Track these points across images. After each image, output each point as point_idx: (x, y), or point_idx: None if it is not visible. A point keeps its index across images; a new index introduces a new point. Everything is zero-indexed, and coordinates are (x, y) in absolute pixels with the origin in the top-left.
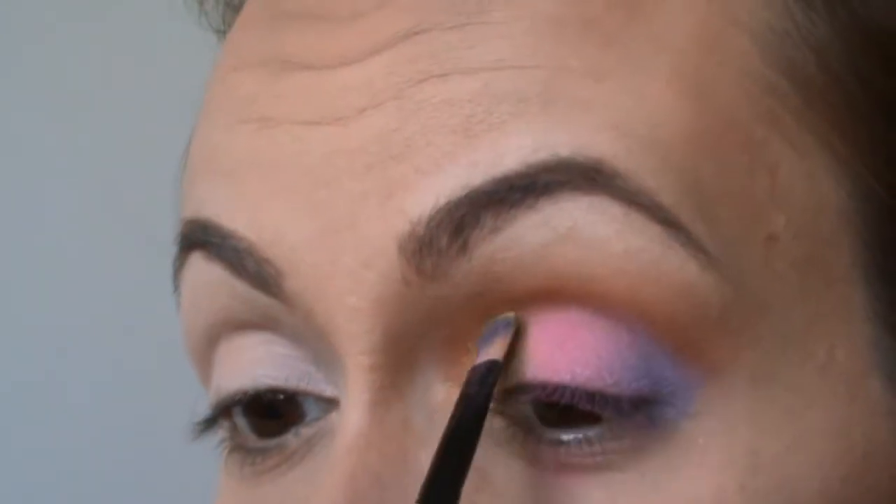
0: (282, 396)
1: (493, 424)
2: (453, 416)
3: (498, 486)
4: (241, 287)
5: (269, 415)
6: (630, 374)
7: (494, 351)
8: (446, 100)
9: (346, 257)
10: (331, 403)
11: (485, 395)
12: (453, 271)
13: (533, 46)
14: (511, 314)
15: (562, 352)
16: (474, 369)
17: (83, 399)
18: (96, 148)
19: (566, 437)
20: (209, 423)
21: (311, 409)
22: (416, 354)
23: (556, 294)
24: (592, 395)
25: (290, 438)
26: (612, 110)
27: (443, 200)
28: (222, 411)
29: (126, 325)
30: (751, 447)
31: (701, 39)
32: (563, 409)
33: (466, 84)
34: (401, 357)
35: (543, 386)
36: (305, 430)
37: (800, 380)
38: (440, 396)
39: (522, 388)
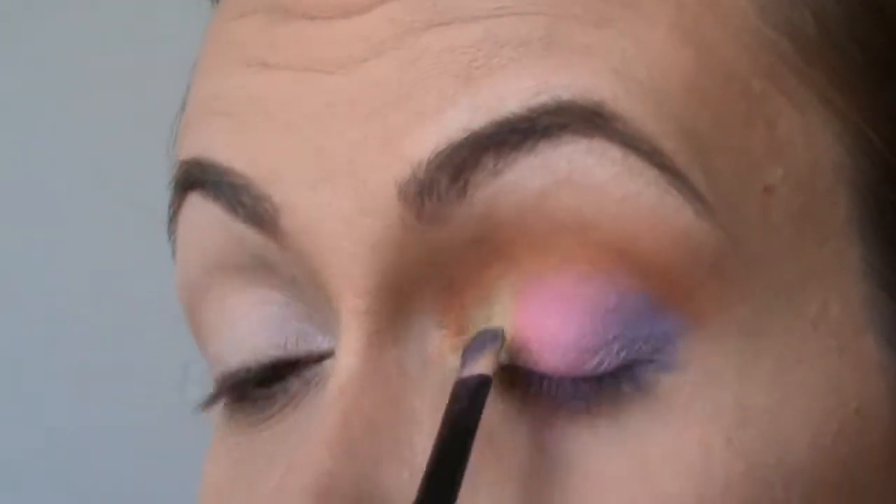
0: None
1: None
2: (441, 434)
3: (494, 428)
4: (236, 227)
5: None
6: (610, 347)
7: (483, 365)
8: (447, 47)
9: (344, 202)
10: (326, 357)
11: (475, 411)
12: (453, 214)
13: None
14: (499, 327)
15: (557, 306)
16: (462, 383)
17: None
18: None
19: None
20: (213, 399)
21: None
22: (412, 301)
23: (553, 249)
24: (576, 380)
25: (293, 380)
26: (612, 55)
27: (443, 143)
28: (227, 389)
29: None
30: (739, 400)
31: None
32: None
33: (468, 31)
34: (396, 302)
35: (526, 374)
36: (305, 373)
37: (791, 334)
38: (435, 343)
39: (512, 343)
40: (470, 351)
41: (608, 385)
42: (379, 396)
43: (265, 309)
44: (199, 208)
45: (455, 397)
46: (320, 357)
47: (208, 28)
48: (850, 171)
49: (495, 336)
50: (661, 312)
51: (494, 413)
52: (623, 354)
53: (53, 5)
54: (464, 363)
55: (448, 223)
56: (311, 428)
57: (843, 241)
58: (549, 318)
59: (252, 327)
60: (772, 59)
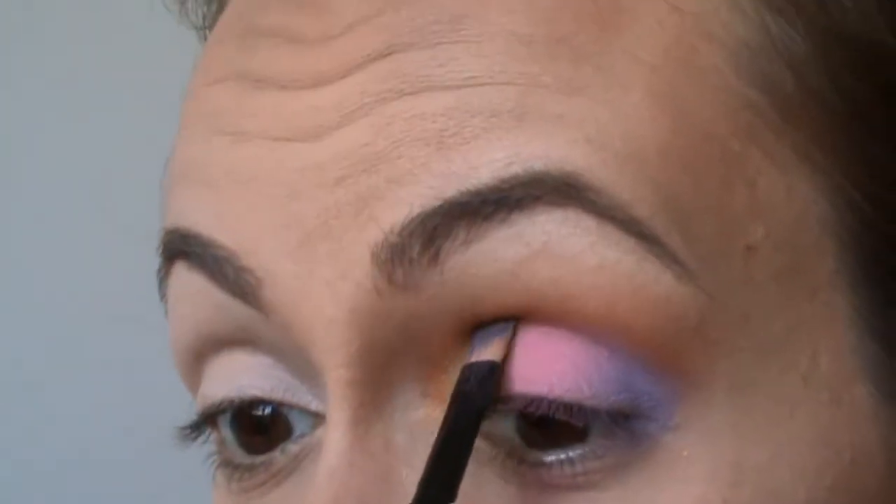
0: (269, 410)
1: (477, 445)
2: (449, 413)
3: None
4: (221, 296)
5: (257, 430)
6: (609, 386)
7: (492, 352)
8: (418, 114)
9: (322, 268)
10: (317, 418)
11: (485, 394)
12: (425, 283)
13: (504, 64)
14: (511, 319)
15: (539, 364)
16: (470, 367)
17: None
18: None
19: (548, 458)
20: (193, 428)
21: (298, 424)
22: (394, 371)
23: (533, 314)
24: (570, 407)
25: (277, 456)
26: (585, 124)
27: (416, 210)
28: (207, 418)
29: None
30: (733, 459)
31: (675, 55)
32: (546, 430)
33: (438, 100)
34: (379, 372)
35: (520, 398)
36: (292, 447)
37: (782, 388)
38: (420, 414)
39: (499, 399)
40: (478, 339)
41: (607, 445)
42: (368, 474)
43: (256, 359)
44: (185, 278)
45: (463, 381)
46: (306, 412)
47: (187, 89)
48: (836, 224)
49: (505, 326)
50: (651, 374)
51: (490, 482)
52: (624, 396)
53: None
54: (472, 349)
55: (421, 291)
56: None
57: (831, 292)
58: (536, 379)
59: (240, 370)
60: (750, 117)
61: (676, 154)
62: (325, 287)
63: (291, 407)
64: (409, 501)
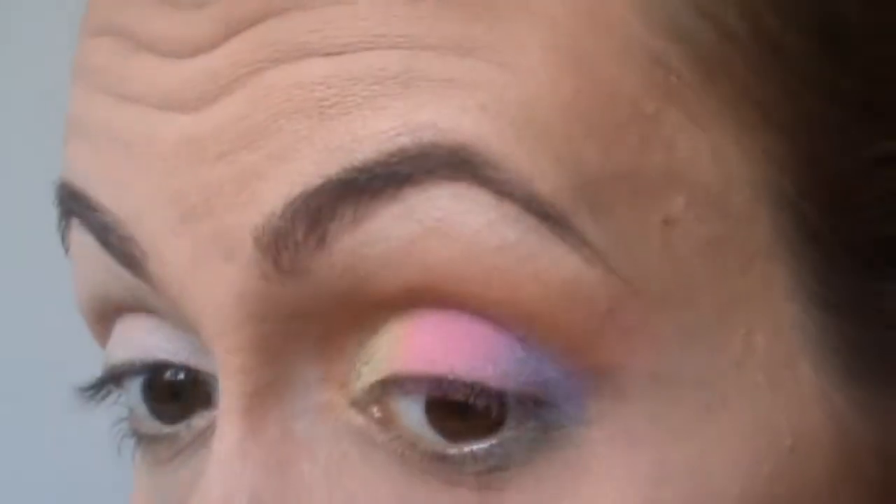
0: (182, 375)
1: (377, 438)
2: None
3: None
4: (111, 262)
5: (172, 397)
6: (516, 367)
7: None
8: (296, 83)
9: (207, 249)
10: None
11: None
12: (313, 267)
13: (386, 26)
14: None
15: (442, 342)
16: None
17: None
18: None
19: (451, 450)
20: (94, 388)
21: (215, 391)
22: (289, 354)
23: (431, 295)
24: (473, 387)
25: (182, 430)
26: (478, 89)
27: (297, 190)
28: (109, 380)
29: None
30: (656, 456)
31: (577, 7)
32: (457, 420)
33: (317, 67)
34: (273, 358)
35: (422, 379)
36: (199, 422)
37: (711, 374)
38: (322, 397)
39: (396, 380)
40: None
41: (517, 439)
42: (263, 467)
43: (157, 325)
44: (80, 236)
45: None
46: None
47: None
48: (769, 187)
49: None
50: (560, 364)
51: (391, 479)
52: (533, 379)
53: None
54: None
55: (310, 275)
56: (196, 499)
57: (767, 262)
58: (438, 358)
59: (147, 331)
60: (664, 73)
61: (581, 119)
62: (210, 269)
63: (201, 372)
64: (309, 496)
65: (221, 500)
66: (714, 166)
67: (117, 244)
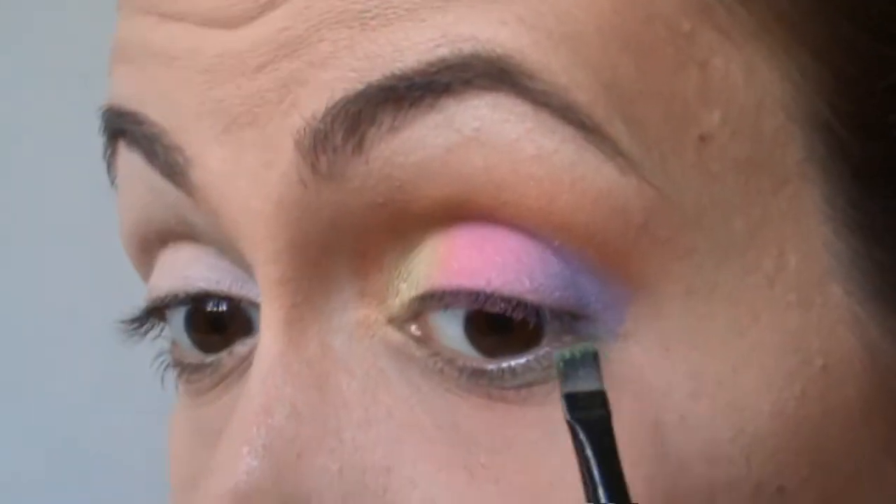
0: (224, 307)
1: (415, 354)
2: (580, 448)
3: (465, 430)
4: (155, 178)
5: (214, 328)
6: (552, 281)
7: (585, 381)
8: None
9: (248, 157)
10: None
11: (600, 413)
12: (350, 172)
13: None
14: (590, 344)
15: (479, 255)
16: (573, 396)
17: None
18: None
19: (490, 366)
20: (138, 321)
21: (256, 319)
22: (327, 268)
23: (467, 206)
24: (510, 301)
25: (225, 357)
26: (516, 2)
27: (338, 94)
28: (152, 312)
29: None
30: (690, 370)
31: None
32: (496, 335)
33: None
34: (310, 270)
35: (459, 293)
36: (240, 348)
37: (744, 291)
38: (359, 315)
39: (434, 294)
40: (566, 365)
41: (553, 354)
42: (302, 381)
43: (203, 254)
44: (126, 158)
45: (572, 409)
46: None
47: None
48: (803, 108)
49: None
50: (596, 275)
51: (432, 394)
52: (570, 293)
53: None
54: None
55: (346, 181)
56: (235, 419)
57: (800, 183)
58: (475, 271)
59: (187, 262)
60: None
61: (617, 34)
62: (251, 176)
63: (243, 300)
64: (347, 412)
65: (262, 410)
66: (748, 86)
67: (163, 154)
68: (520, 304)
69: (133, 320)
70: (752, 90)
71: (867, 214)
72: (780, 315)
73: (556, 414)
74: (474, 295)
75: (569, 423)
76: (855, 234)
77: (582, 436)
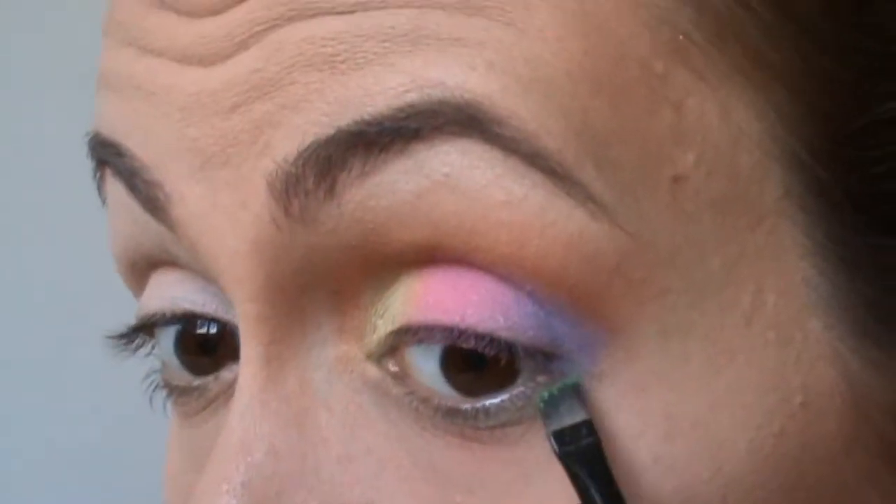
0: (214, 329)
1: (391, 391)
2: (576, 481)
3: (441, 468)
4: (138, 210)
5: (203, 350)
6: (526, 321)
7: (569, 415)
8: (307, 38)
9: (224, 195)
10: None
11: (588, 443)
12: (322, 216)
13: None
14: (575, 378)
15: (455, 292)
16: (560, 432)
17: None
18: None
19: (464, 405)
20: (126, 338)
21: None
22: (305, 305)
23: (439, 250)
24: (483, 338)
25: (211, 382)
26: (486, 47)
27: (309, 138)
28: (140, 329)
29: None
30: (665, 411)
31: None
32: (472, 372)
33: (329, 24)
34: (288, 308)
35: (433, 328)
36: (226, 374)
37: (720, 331)
38: (339, 351)
39: (408, 329)
40: (547, 404)
41: (528, 394)
42: (281, 418)
43: (188, 278)
44: (112, 185)
45: (561, 444)
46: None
47: None
48: (779, 144)
49: (571, 389)
50: (570, 317)
51: (407, 433)
52: (543, 332)
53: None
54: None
55: (319, 224)
56: (214, 455)
57: (778, 219)
58: (450, 307)
59: (174, 283)
60: (673, 32)
61: (589, 77)
62: (227, 216)
63: (230, 325)
64: (326, 448)
65: (240, 447)
66: (723, 125)
67: (143, 188)
68: (494, 340)
69: (121, 336)
70: (727, 129)
71: (847, 248)
72: (758, 353)
73: (530, 455)
74: (448, 330)
75: (560, 459)
76: (835, 269)
77: (576, 468)
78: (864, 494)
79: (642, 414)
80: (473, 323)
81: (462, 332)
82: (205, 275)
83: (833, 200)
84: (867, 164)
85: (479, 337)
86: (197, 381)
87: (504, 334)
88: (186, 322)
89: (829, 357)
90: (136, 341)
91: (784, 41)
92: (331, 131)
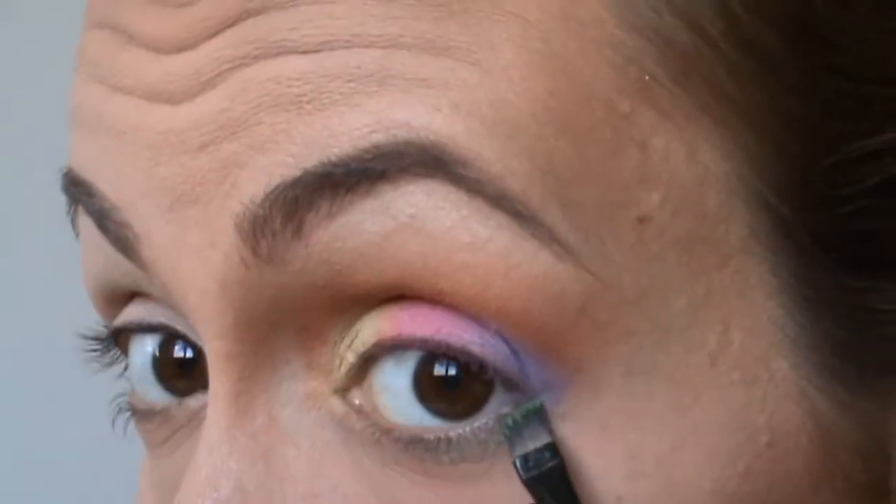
0: (191, 353)
1: (353, 426)
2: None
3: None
4: (109, 248)
5: (180, 373)
6: (496, 350)
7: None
8: (273, 78)
9: (193, 235)
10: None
11: (551, 465)
12: (290, 256)
13: (362, 25)
14: (537, 402)
15: (429, 313)
16: (523, 458)
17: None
18: None
19: (428, 435)
20: (102, 343)
21: None
22: (273, 343)
23: (406, 289)
24: (457, 349)
25: (174, 408)
26: (450, 88)
27: (276, 180)
28: (120, 330)
29: None
30: (628, 451)
31: (550, 7)
32: (443, 392)
33: (294, 63)
34: (257, 345)
35: (407, 339)
36: (191, 403)
37: (686, 371)
38: (307, 387)
39: (387, 344)
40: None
41: (492, 428)
42: (248, 455)
43: (163, 307)
44: (85, 223)
45: (525, 469)
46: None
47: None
48: (745, 184)
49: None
50: (534, 358)
51: (370, 470)
52: (512, 363)
53: None
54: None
55: (287, 264)
56: (181, 490)
57: (745, 259)
58: (423, 324)
59: (151, 309)
60: (639, 74)
61: (554, 118)
62: (196, 255)
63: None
64: (293, 485)
65: (207, 484)
66: (689, 165)
67: (113, 229)
68: (468, 353)
69: (95, 338)
70: (693, 169)
71: (814, 288)
72: (724, 393)
73: (493, 492)
74: (423, 341)
75: (525, 483)
76: (802, 308)
77: (541, 491)
78: None
79: (605, 453)
80: (447, 335)
81: (437, 344)
82: (176, 311)
83: (799, 240)
84: (835, 203)
85: (454, 349)
86: (160, 406)
87: (478, 350)
88: (163, 340)
89: (796, 396)
90: (110, 353)
91: (750, 80)
92: (297, 173)
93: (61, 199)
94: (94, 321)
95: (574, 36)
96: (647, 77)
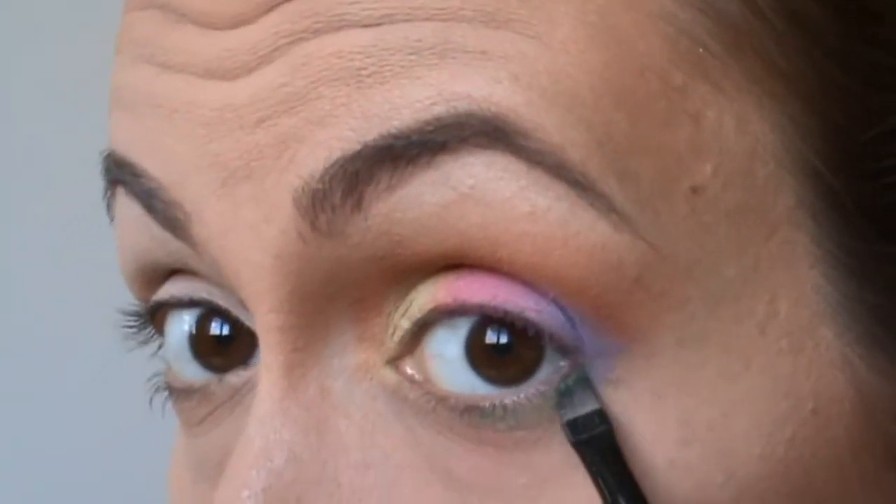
0: (227, 330)
1: (408, 395)
2: (591, 471)
3: (457, 473)
4: (156, 228)
5: (216, 350)
6: (552, 317)
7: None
8: (335, 52)
9: (247, 210)
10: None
11: (602, 430)
12: (349, 230)
13: None
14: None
15: (482, 285)
16: (573, 422)
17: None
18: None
19: (484, 403)
20: (139, 319)
21: (253, 351)
22: (327, 315)
23: (464, 258)
24: (514, 315)
25: (214, 385)
26: (511, 60)
27: (336, 154)
28: (157, 307)
29: None
30: (681, 417)
31: None
32: (496, 359)
33: (355, 37)
34: (311, 318)
35: (462, 305)
36: (232, 379)
37: (736, 339)
38: (359, 359)
39: (444, 310)
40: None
41: (546, 393)
42: (301, 426)
43: (205, 283)
44: (126, 204)
45: (575, 433)
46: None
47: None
48: (793, 155)
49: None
50: (589, 326)
51: (424, 438)
52: (567, 329)
53: None
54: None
55: (346, 238)
56: (233, 462)
57: (792, 229)
58: (480, 290)
59: (189, 283)
60: (692, 46)
61: (610, 90)
62: (250, 230)
63: (244, 327)
64: (345, 455)
65: (261, 455)
66: (740, 136)
67: (161, 209)
68: (524, 319)
69: (133, 314)
70: (743, 140)
71: (856, 258)
72: (772, 361)
73: (546, 460)
74: (480, 307)
75: (574, 446)
76: (844, 278)
77: (589, 455)
78: (869, 500)
79: (658, 420)
80: (503, 301)
81: (494, 309)
82: (226, 287)
83: (844, 210)
84: (878, 174)
85: (510, 315)
86: (199, 384)
87: (534, 316)
88: (201, 316)
89: (839, 364)
90: (146, 332)
91: (796, 52)
92: (357, 146)
93: (59, 192)
94: (96, 321)
95: (629, 8)
96: (700, 49)
